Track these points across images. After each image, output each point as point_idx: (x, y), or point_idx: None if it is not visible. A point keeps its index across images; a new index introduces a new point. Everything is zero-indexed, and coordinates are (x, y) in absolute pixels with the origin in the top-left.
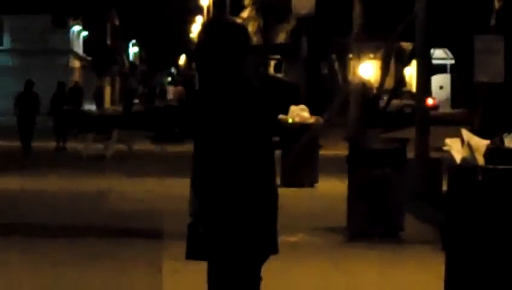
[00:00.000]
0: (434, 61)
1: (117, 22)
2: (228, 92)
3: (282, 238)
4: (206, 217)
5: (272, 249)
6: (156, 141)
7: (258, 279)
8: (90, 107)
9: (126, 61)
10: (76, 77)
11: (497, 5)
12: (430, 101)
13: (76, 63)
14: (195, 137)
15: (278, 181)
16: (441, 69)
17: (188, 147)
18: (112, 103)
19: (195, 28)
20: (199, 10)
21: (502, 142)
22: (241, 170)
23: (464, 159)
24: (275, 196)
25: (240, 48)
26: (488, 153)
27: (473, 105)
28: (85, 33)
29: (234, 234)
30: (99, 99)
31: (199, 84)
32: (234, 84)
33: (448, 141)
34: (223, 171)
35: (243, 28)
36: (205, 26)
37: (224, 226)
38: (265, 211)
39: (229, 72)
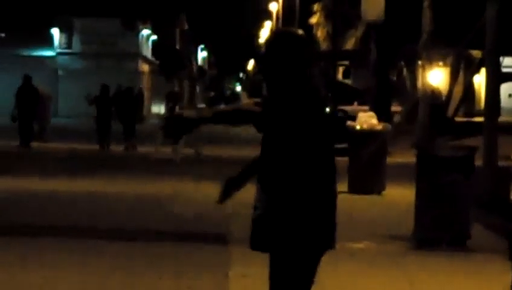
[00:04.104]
0: (503, 70)
1: (186, 27)
2: (294, 98)
3: (349, 245)
4: (270, 212)
5: (329, 244)
6: None
7: (313, 274)
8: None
9: (194, 66)
10: (145, 80)
11: None
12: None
13: (145, 67)
14: (264, 138)
15: (346, 188)
16: (511, 77)
17: (258, 152)
18: (180, 107)
19: (264, 33)
20: (268, 15)
21: None
22: (305, 170)
23: None
24: (334, 195)
25: (304, 58)
26: None
27: None
28: (154, 37)
29: (294, 227)
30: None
31: (268, 91)
32: (300, 91)
33: None
34: (288, 170)
35: (306, 40)
36: (272, 38)
37: (286, 220)
38: (324, 208)
39: (295, 81)
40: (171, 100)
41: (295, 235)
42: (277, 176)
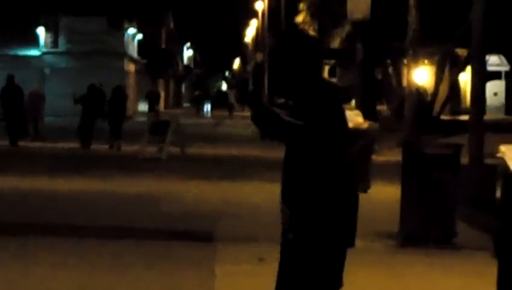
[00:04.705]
0: (489, 68)
1: (172, 25)
2: (311, 100)
3: None
4: (295, 223)
5: (350, 242)
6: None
7: (339, 272)
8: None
9: (180, 65)
10: (131, 79)
11: None
12: None
13: (131, 66)
14: (286, 145)
15: None
16: (496, 75)
17: (244, 151)
18: (166, 105)
19: (250, 32)
20: (254, 14)
21: None
22: (327, 174)
23: None
24: (356, 193)
25: (313, 57)
26: None
27: None
28: (140, 36)
29: (317, 226)
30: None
31: (281, 92)
32: (316, 91)
33: (502, 147)
34: (309, 177)
35: (314, 39)
36: (281, 38)
37: (312, 229)
38: (347, 211)
39: (308, 80)
40: (153, 99)
41: (318, 233)
42: (297, 185)
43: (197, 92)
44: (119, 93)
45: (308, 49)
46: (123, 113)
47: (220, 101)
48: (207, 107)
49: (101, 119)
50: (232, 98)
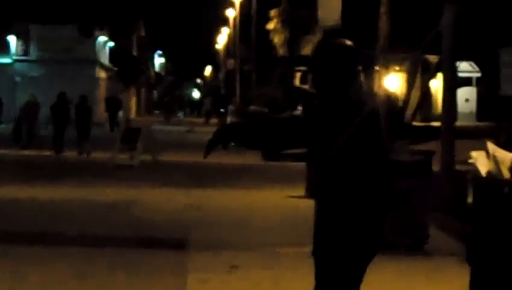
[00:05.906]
0: (460, 74)
1: (143, 33)
2: (343, 109)
3: (308, 249)
4: (322, 219)
5: (375, 251)
6: (267, 158)
7: (361, 277)
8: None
9: (152, 72)
10: (103, 86)
11: None
12: None
13: (102, 73)
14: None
15: (303, 192)
16: (467, 82)
17: (217, 158)
18: (138, 113)
19: (221, 39)
20: (225, 22)
21: None
22: (357, 178)
23: (489, 172)
24: (385, 201)
25: (350, 67)
26: None
27: (499, 118)
28: (111, 43)
29: (346, 234)
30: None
31: (318, 101)
32: (348, 102)
33: (473, 153)
34: (339, 180)
35: (353, 49)
36: (321, 48)
37: (338, 228)
38: (375, 215)
39: (342, 90)
40: (112, 106)
41: (344, 242)
42: (327, 186)
43: (166, 98)
44: (84, 102)
45: (345, 59)
46: (89, 121)
47: (192, 108)
48: (180, 114)
49: (68, 126)
50: (208, 105)
